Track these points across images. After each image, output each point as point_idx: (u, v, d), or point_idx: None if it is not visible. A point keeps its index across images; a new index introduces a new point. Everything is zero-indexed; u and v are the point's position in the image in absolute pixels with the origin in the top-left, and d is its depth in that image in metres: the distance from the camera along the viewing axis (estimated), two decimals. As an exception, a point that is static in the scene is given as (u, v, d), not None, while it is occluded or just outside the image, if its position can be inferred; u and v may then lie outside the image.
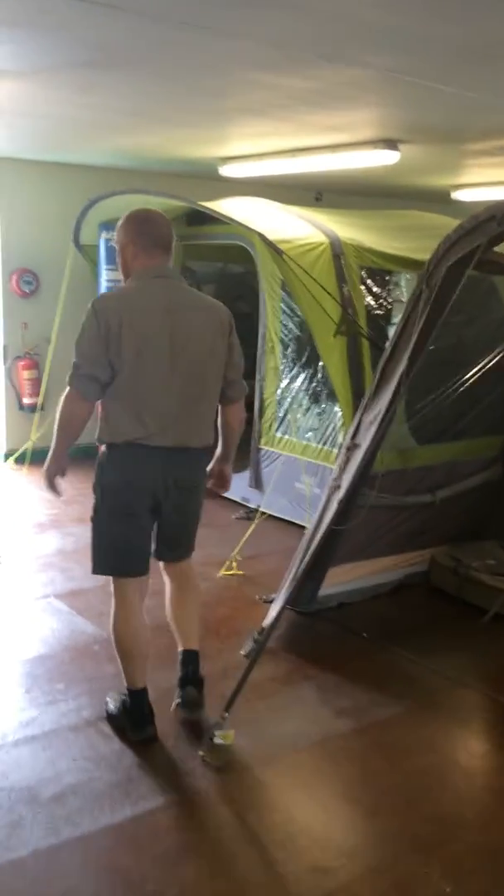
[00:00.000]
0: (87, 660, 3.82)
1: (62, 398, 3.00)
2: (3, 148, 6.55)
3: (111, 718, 3.30)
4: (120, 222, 3.14)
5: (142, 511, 3.11)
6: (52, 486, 3.20)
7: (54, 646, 3.96)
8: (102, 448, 3.10)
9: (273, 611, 3.80)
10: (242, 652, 3.85)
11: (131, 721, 3.19)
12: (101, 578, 3.32)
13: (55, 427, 3.08)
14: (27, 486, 6.74)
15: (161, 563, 3.39)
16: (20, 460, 7.19)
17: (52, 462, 3.16)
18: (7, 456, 7.43)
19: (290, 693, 3.65)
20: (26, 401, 7.44)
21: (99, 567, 3.20)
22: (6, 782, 2.92)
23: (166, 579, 3.41)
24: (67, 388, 2.98)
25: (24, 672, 3.70)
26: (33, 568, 4.94)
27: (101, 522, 3.14)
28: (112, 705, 3.31)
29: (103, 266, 6.92)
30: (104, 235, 6.79)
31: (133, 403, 2.98)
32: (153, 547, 3.27)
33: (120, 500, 3.09)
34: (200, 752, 3.09)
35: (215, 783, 2.98)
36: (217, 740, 3.11)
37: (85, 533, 3.28)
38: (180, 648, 3.39)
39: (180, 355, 3.02)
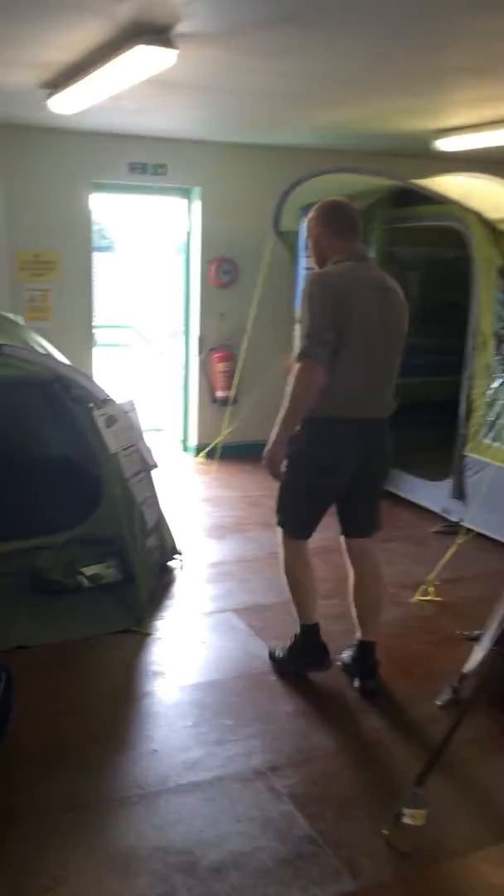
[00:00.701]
0: (262, 693, 3.42)
1: (293, 375, 3.08)
2: (198, 131, 6.29)
3: (281, 663, 3.55)
4: (311, 214, 3.31)
5: (337, 483, 3.29)
6: (277, 470, 3.25)
7: (226, 671, 3.60)
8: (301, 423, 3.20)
9: (478, 654, 3.21)
10: (438, 703, 3.30)
11: (310, 654, 3.48)
12: (282, 594, 3.57)
13: (285, 405, 3.12)
14: (214, 483, 6.50)
15: (345, 546, 3.48)
16: (210, 456, 6.98)
17: (277, 444, 3.19)
18: (198, 451, 7.25)
19: (499, 763, 3.05)
20: (219, 394, 7.21)
21: (281, 523, 3.42)
22: (164, 840, 2.57)
23: (349, 563, 3.49)
24: (299, 364, 3.08)
25: (192, 700, 3.36)
26: (210, 576, 4.63)
27: (290, 492, 3.33)
28: (280, 652, 3.57)
29: (303, 253, 6.50)
30: (305, 221, 6.36)
31: (346, 378, 3.13)
32: (340, 526, 3.46)
33: (320, 473, 3.27)
34: (385, 832, 2.59)
35: (401, 874, 2.47)
36: (406, 819, 2.59)
37: (269, 539, 3.60)
38: (358, 636, 3.50)
39: (384, 331, 3.21)
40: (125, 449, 4.26)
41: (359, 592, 3.46)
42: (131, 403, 4.43)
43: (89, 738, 3.07)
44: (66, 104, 4.68)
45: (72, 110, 4.83)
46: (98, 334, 7.16)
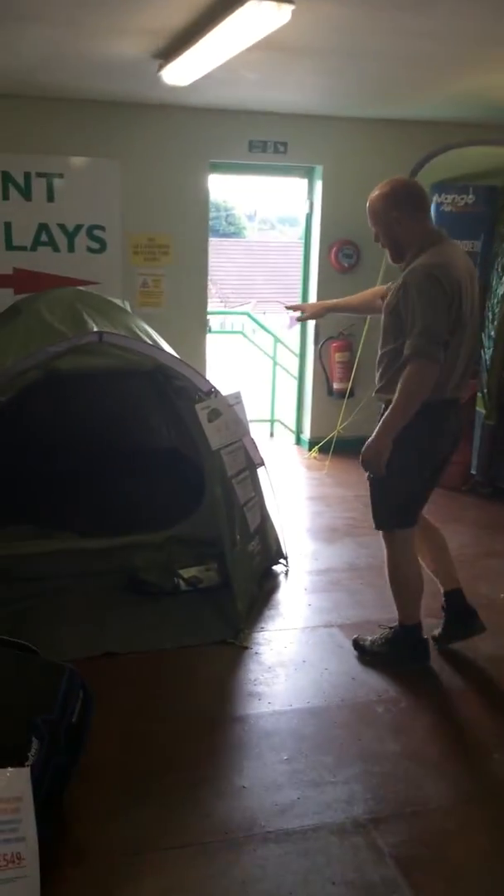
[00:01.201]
0: (367, 727, 3.05)
1: (411, 371, 2.99)
2: (320, 105, 5.89)
3: (376, 656, 3.46)
4: (385, 200, 3.13)
5: (438, 463, 3.31)
6: (381, 465, 3.12)
7: (329, 696, 3.24)
8: None
9: None
10: None
11: (414, 652, 3.43)
12: (394, 610, 3.46)
13: (400, 401, 3.02)
14: (327, 480, 6.13)
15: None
16: (324, 451, 6.61)
17: (386, 439, 3.08)
18: (311, 445, 6.89)
19: None
20: (336, 386, 6.82)
21: (387, 524, 3.35)
22: (244, 898, 2.26)
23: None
24: (418, 361, 2.98)
25: (288, 729, 3.02)
26: (317, 585, 4.28)
27: (405, 480, 3.22)
28: (374, 644, 3.49)
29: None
30: (436, 199, 5.88)
31: (453, 363, 3.10)
32: None
33: (430, 456, 3.25)
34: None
35: None
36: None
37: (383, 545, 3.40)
38: (447, 589, 3.55)
39: (475, 312, 3.20)
40: (228, 445, 3.96)
41: (432, 551, 3.54)
42: (237, 396, 4.12)
43: (172, 766, 2.79)
44: (180, 74, 4.41)
45: (186, 80, 4.55)
46: (212, 321, 6.90)
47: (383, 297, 3.47)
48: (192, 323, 6.47)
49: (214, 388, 4.02)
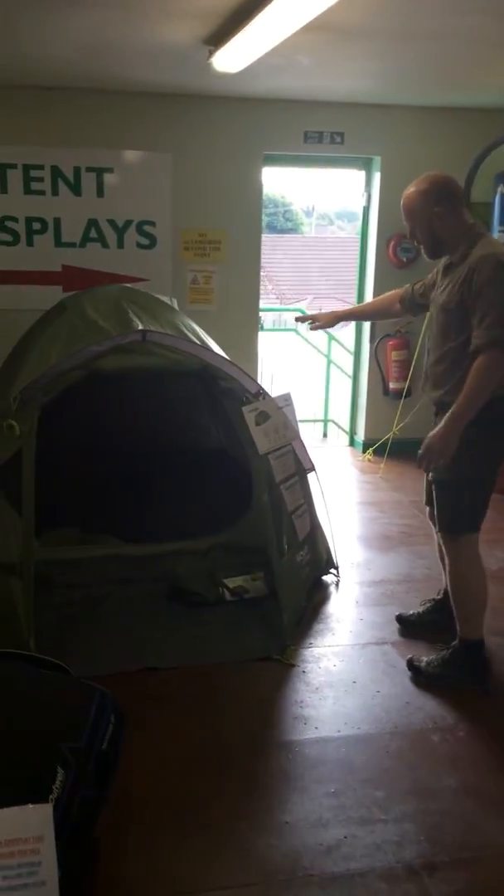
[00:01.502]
0: (422, 758, 2.82)
1: (486, 362, 2.87)
2: (377, 92, 5.62)
3: (432, 678, 3.24)
4: (426, 196, 3.06)
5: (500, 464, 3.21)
6: (447, 458, 3.00)
7: (381, 720, 3.02)
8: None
9: None
10: None
11: (476, 671, 3.24)
12: (452, 628, 3.29)
13: (471, 392, 2.90)
14: (382, 485, 5.89)
15: None
16: (378, 453, 6.36)
17: (455, 431, 2.94)
18: (365, 447, 6.65)
19: None
20: (392, 385, 6.56)
21: (456, 528, 3.17)
22: None
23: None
24: (492, 350, 2.86)
25: (336, 758, 2.81)
26: (370, 598, 4.05)
27: (475, 481, 3.12)
28: (430, 665, 3.28)
29: (496, 226, 5.72)
30: (501, 189, 5.59)
31: None
32: None
33: (499, 456, 3.17)
34: None
35: None
36: None
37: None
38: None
39: None
40: (277, 450, 3.76)
41: None
42: (287, 398, 3.91)
43: (210, 796, 2.60)
44: (231, 60, 4.22)
45: (237, 67, 4.36)
46: (265, 318, 6.71)
47: (401, 300, 3.56)
48: (243, 320, 6.28)
49: (263, 389, 3.82)
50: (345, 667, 3.40)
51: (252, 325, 6.36)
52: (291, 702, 3.14)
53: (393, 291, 3.67)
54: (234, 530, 4.01)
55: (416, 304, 3.51)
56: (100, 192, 5.81)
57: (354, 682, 3.28)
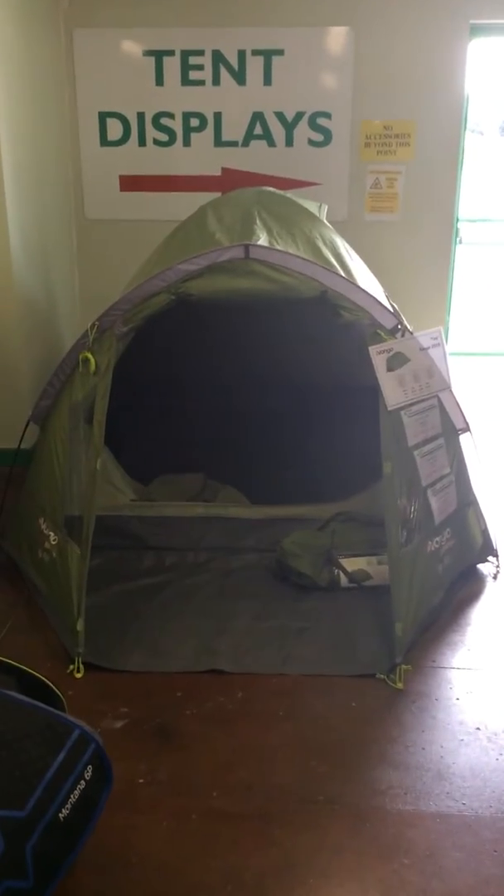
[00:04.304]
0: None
1: None
2: None
3: None
4: None
5: None
6: None
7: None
8: None
9: None
10: None
11: None
12: None
13: None
14: None
15: None
16: None
17: None
18: None
19: None
20: None
21: None
22: None
23: None
24: None
25: (464, 855, 2.03)
26: None
27: None
28: None
29: None
30: None
31: None
32: None
33: None
34: None
35: None
36: None
37: None
38: None
39: None
40: (416, 403, 2.90)
41: None
42: (436, 335, 3.00)
43: (227, 876, 1.96)
44: None
45: None
46: (463, 230, 5.59)
47: None
48: (435, 233, 5.24)
49: (403, 323, 2.94)
50: (482, 702, 2.56)
51: (446, 238, 5.30)
52: (382, 747, 2.38)
53: None
54: (361, 497, 3.24)
55: None
56: (267, 79, 4.96)
57: (491, 728, 2.44)
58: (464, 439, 3.13)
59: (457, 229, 5.38)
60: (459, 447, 3.11)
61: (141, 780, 2.20)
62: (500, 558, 3.32)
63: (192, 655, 2.69)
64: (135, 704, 2.48)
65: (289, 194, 3.89)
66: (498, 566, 3.30)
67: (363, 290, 2.91)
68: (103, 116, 5.04)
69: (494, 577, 3.26)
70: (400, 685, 2.59)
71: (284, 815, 2.12)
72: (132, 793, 2.15)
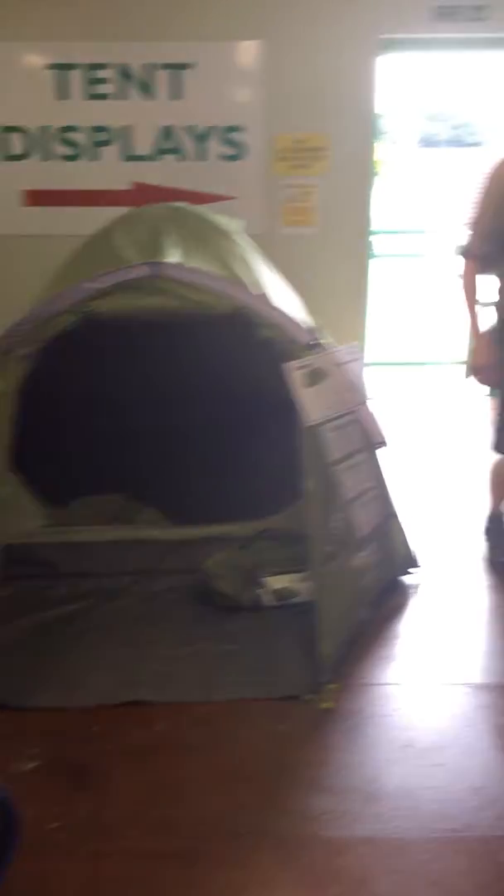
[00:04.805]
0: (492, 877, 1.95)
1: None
2: None
3: None
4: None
5: None
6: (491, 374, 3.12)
7: (447, 816, 2.16)
8: None
9: None
10: None
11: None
12: None
13: None
14: None
15: None
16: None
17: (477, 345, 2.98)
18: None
19: None
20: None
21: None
22: None
23: None
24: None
25: (397, 878, 1.97)
26: (461, 612, 3.12)
27: None
28: None
29: None
30: None
31: None
32: None
33: None
34: None
35: None
36: None
37: None
38: None
39: None
40: (335, 419, 2.87)
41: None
42: (354, 350, 2.98)
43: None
44: None
45: None
46: (378, 243, 5.63)
47: None
48: (350, 245, 5.27)
49: (318, 340, 2.91)
50: (411, 718, 2.52)
51: (361, 249, 5.34)
52: (311, 771, 2.32)
53: None
54: (284, 515, 3.19)
55: None
56: (176, 93, 4.92)
57: (435, 744, 2.40)
58: (381, 452, 3.12)
59: (369, 242, 5.43)
60: (377, 461, 3.09)
61: (55, 825, 2.08)
62: (421, 570, 3.31)
63: (110, 687, 2.58)
64: (47, 744, 2.36)
65: (203, 209, 3.85)
66: (420, 580, 3.29)
67: (277, 308, 2.87)
68: (5, 130, 4.92)
69: (416, 592, 3.25)
70: (327, 705, 2.54)
71: (210, 851, 2.04)
72: (45, 838, 2.04)
